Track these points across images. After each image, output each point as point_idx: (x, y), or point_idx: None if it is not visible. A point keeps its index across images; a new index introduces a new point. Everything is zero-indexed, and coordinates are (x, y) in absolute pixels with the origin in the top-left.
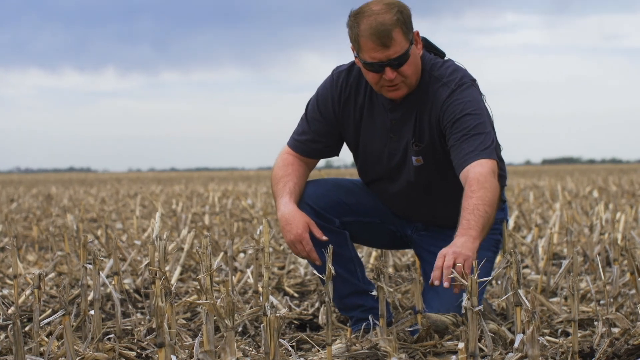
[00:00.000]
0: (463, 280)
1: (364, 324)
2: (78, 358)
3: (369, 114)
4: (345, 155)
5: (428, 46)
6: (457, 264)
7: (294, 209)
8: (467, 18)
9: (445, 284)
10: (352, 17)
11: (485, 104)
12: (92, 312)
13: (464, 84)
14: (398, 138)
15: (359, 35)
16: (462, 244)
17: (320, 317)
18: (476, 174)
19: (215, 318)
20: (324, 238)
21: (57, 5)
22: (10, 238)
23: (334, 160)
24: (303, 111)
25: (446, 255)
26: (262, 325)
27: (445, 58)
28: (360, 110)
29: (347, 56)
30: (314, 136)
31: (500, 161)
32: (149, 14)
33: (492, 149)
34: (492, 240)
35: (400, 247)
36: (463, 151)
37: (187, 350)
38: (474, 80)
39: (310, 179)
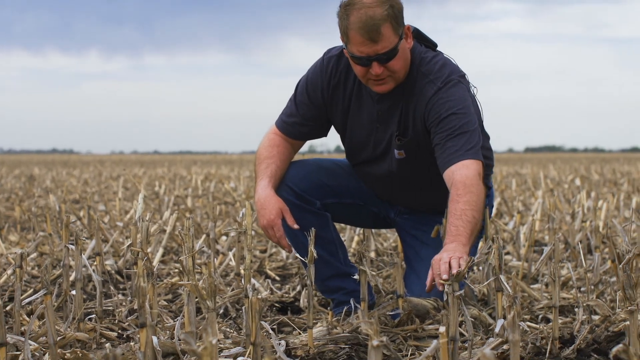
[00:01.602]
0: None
1: (345, 308)
2: (59, 338)
3: (357, 103)
4: (329, 140)
5: (419, 37)
6: (452, 260)
7: (270, 193)
8: (451, 5)
9: (440, 288)
10: (343, 7)
11: (476, 98)
12: (73, 292)
13: (451, 81)
14: (384, 128)
15: (347, 27)
16: (454, 248)
17: (301, 300)
18: (462, 177)
19: (196, 299)
20: (295, 226)
21: None
22: None
23: (317, 144)
24: (292, 92)
25: (441, 260)
26: (243, 308)
27: (436, 50)
28: (349, 98)
29: (331, 41)
30: (301, 119)
31: (487, 150)
32: None
33: (478, 149)
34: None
35: (382, 227)
36: (448, 150)
37: (168, 331)
38: (463, 76)
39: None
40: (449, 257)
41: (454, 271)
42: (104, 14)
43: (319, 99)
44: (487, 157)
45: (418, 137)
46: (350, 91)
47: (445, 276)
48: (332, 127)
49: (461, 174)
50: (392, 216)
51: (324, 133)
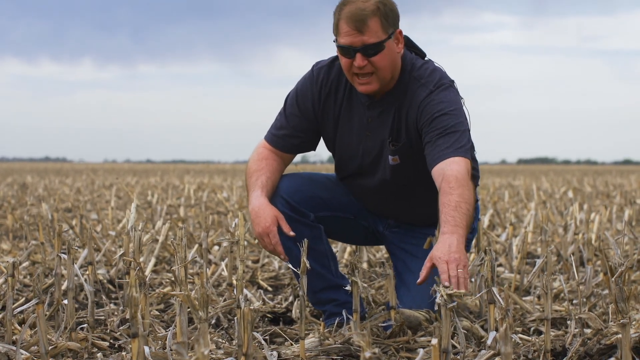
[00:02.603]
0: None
1: (337, 319)
2: (51, 347)
3: (347, 111)
4: (322, 151)
5: (409, 45)
6: (459, 270)
7: (264, 202)
8: (445, 17)
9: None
10: (339, 4)
11: (464, 107)
12: (65, 301)
13: (443, 85)
14: (373, 136)
15: (339, 19)
16: (457, 247)
17: (293, 311)
18: (454, 172)
19: (189, 309)
20: (291, 233)
21: None
22: None
23: (310, 155)
24: (282, 105)
25: (448, 263)
26: (235, 318)
27: (426, 59)
28: (340, 106)
29: (325, 51)
30: (291, 131)
31: (473, 161)
32: (126, 5)
33: (468, 149)
34: (469, 240)
35: (371, 244)
36: (439, 147)
37: (160, 342)
38: (453, 82)
39: (285, 172)
40: (455, 263)
41: (461, 288)
42: (96, 22)
43: (310, 110)
44: (473, 168)
45: (411, 141)
46: (341, 100)
47: (448, 287)
48: (322, 142)
49: (452, 169)
50: (380, 230)
51: (313, 146)
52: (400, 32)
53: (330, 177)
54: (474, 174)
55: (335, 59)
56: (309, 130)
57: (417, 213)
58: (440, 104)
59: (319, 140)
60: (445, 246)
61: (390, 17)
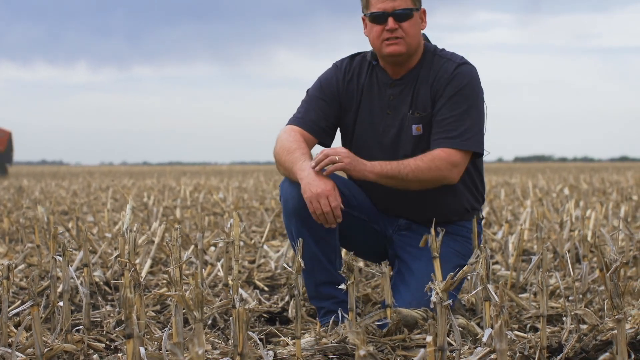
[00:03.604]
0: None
1: (332, 317)
2: (46, 349)
3: (369, 92)
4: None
5: (424, 39)
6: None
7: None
8: (439, 16)
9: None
10: None
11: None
12: (61, 303)
13: (467, 62)
14: (395, 113)
15: None
16: (353, 157)
17: (290, 311)
18: (436, 153)
19: (184, 310)
20: (341, 206)
21: None
22: None
23: (316, 152)
24: (299, 102)
25: (326, 154)
26: (231, 318)
27: None
28: (361, 90)
29: (321, 52)
30: (317, 113)
31: (477, 149)
32: (122, 8)
33: (470, 137)
34: (468, 248)
35: (377, 255)
36: (440, 133)
37: (156, 342)
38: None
39: None
40: (344, 152)
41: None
42: (91, 25)
43: (335, 94)
44: (478, 191)
45: (434, 111)
46: (362, 84)
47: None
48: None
49: (438, 152)
50: (389, 233)
51: (330, 138)
52: (424, 11)
53: (348, 180)
54: (477, 206)
55: (354, 56)
56: (331, 115)
57: (430, 203)
58: (466, 78)
59: (335, 134)
60: (345, 152)
61: None
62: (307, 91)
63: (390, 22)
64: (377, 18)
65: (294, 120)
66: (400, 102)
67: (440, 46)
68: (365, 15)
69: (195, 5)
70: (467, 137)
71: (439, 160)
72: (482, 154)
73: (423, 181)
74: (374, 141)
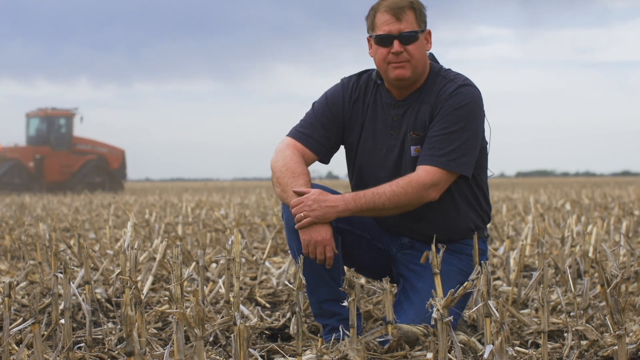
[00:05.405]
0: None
1: (334, 334)
2: None
3: (373, 112)
4: (320, 167)
5: (431, 59)
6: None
7: None
8: (440, 31)
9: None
10: (374, 4)
11: (485, 119)
12: (62, 321)
13: (470, 84)
14: (397, 135)
15: (375, 12)
16: (327, 201)
17: (291, 328)
18: (415, 176)
19: (185, 327)
20: (335, 251)
21: (29, 15)
22: None
23: (310, 170)
24: (303, 115)
25: (303, 202)
26: (232, 335)
27: None
28: (366, 110)
29: (321, 68)
30: (319, 130)
31: (486, 203)
32: (122, 24)
33: (456, 158)
34: (471, 267)
35: (380, 273)
36: (427, 150)
37: None
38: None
39: None
40: (310, 202)
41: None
42: (92, 41)
43: (339, 113)
44: (483, 209)
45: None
46: (368, 103)
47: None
48: (337, 153)
49: (414, 175)
50: (393, 252)
51: (329, 156)
52: (430, 32)
53: None
54: (483, 222)
55: (361, 74)
56: (334, 134)
57: (434, 223)
58: (465, 98)
59: (335, 152)
60: (315, 194)
61: (422, 15)
62: (313, 104)
63: (396, 45)
64: (382, 40)
65: (297, 135)
66: (402, 123)
67: (443, 62)
68: (370, 36)
69: (195, 21)
70: (453, 157)
71: (415, 183)
72: (468, 177)
73: (401, 206)
74: (377, 161)
